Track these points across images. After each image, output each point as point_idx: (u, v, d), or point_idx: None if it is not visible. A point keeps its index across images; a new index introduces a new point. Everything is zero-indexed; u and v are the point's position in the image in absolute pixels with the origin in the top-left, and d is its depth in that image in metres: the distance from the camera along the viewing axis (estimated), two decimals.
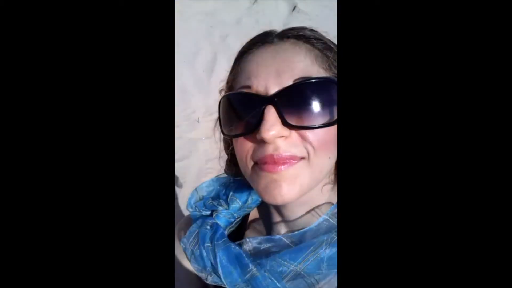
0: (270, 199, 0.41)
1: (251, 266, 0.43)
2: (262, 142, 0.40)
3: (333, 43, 0.46)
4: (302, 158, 0.41)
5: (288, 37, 0.44)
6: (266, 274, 0.42)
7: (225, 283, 0.44)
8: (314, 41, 0.44)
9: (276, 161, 0.40)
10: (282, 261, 0.42)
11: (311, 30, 0.47)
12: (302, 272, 0.41)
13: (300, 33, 0.44)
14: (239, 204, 0.51)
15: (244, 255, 0.45)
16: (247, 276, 0.43)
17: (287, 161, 0.40)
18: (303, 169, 0.41)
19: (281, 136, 0.39)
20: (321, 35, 0.46)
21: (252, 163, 0.43)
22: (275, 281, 0.42)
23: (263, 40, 0.45)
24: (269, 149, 0.39)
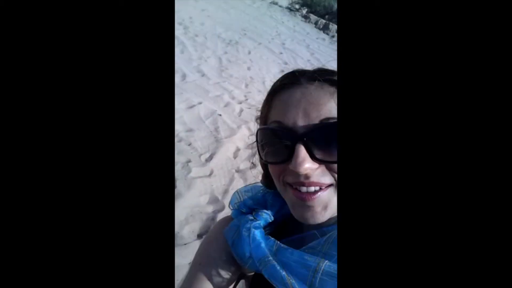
0: (303, 221, 0.48)
1: (276, 242, 0.51)
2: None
3: None
4: (330, 185, 0.47)
5: (315, 80, 0.50)
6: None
7: (253, 256, 0.49)
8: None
9: (308, 190, 0.47)
10: (307, 250, 0.48)
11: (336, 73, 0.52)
12: (328, 252, 0.47)
13: (326, 77, 0.50)
14: (276, 208, 0.58)
15: (272, 239, 0.52)
16: (274, 249, 0.49)
17: (318, 189, 0.47)
18: (333, 195, 0.48)
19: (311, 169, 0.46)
20: None
21: (285, 184, 0.50)
22: (298, 251, 0.48)
23: (293, 81, 0.51)
24: (301, 178, 0.46)
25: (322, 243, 0.48)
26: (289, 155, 0.46)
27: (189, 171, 2.55)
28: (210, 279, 0.54)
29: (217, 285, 0.54)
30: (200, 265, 0.55)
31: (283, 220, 0.59)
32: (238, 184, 2.54)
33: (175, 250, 1.84)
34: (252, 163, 2.68)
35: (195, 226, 2.08)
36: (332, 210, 0.48)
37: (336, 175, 0.46)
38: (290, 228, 0.57)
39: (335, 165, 0.46)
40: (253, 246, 0.50)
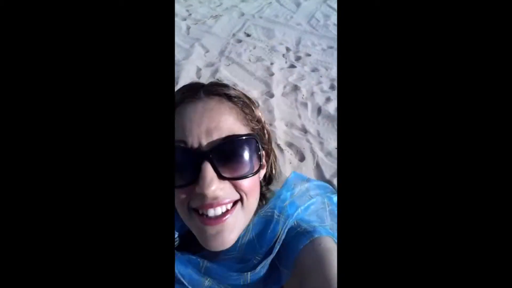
0: (212, 248, 0.48)
1: (202, 261, 0.52)
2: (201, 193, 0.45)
3: (250, 99, 0.55)
4: (237, 201, 0.49)
5: (214, 94, 0.51)
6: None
7: (185, 282, 0.50)
8: (235, 99, 0.52)
9: (215, 213, 0.46)
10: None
11: (233, 88, 0.54)
12: (243, 257, 0.51)
13: (224, 92, 0.52)
14: (180, 222, 0.55)
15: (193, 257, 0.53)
16: (202, 270, 0.51)
17: (225, 210, 0.47)
18: (239, 213, 0.49)
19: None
20: (240, 93, 0.55)
21: (190, 209, 0.49)
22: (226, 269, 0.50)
23: (192, 94, 0.51)
24: (208, 199, 0.45)
25: (236, 249, 0.51)
26: (196, 176, 0.45)
27: None
28: None
29: None
30: None
31: (188, 233, 0.56)
32: None
33: None
34: None
35: None
36: (239, 230, 0.49)
37: (242, 192, 0.48)
38: (196, 241, 0.54)
39: (241, 182, 0.47)
40: (184, 273, 0.50)
